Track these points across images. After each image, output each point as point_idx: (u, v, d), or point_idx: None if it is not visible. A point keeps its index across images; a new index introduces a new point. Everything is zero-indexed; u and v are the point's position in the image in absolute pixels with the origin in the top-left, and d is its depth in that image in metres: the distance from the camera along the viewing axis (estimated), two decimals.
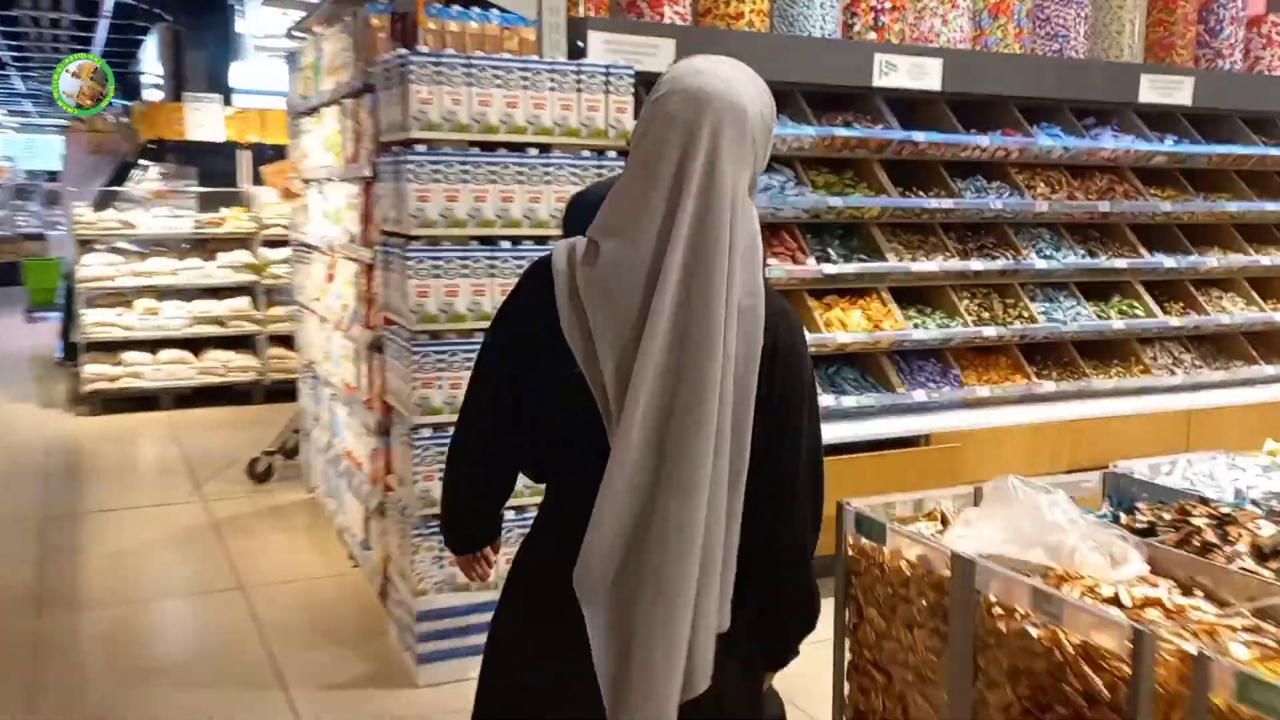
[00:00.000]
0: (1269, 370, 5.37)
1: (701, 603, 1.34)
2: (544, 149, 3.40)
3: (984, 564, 1.69)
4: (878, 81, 4.33)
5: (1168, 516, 1.90)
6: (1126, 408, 4.83)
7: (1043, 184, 4.98)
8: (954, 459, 4.35)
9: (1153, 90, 4.88)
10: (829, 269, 4.41)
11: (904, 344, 4.57)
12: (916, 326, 4.58)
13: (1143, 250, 5.14)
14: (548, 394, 1.47)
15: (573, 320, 1.40)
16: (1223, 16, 5.53)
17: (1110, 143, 4.96)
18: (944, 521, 2.03)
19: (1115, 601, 1.67)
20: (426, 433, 3.34)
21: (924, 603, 1.80)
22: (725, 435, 1.36)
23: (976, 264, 4.70)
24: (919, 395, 4.54)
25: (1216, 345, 5.49)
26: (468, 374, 3.41)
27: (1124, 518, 1.93)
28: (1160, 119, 5.26)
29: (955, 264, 4.66)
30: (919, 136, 4.53)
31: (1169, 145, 5.09)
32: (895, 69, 4.30)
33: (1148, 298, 5.17)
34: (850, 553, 1.99)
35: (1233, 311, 5.36)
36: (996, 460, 4.46)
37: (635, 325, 1.36)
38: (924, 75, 4.37)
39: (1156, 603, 1.67)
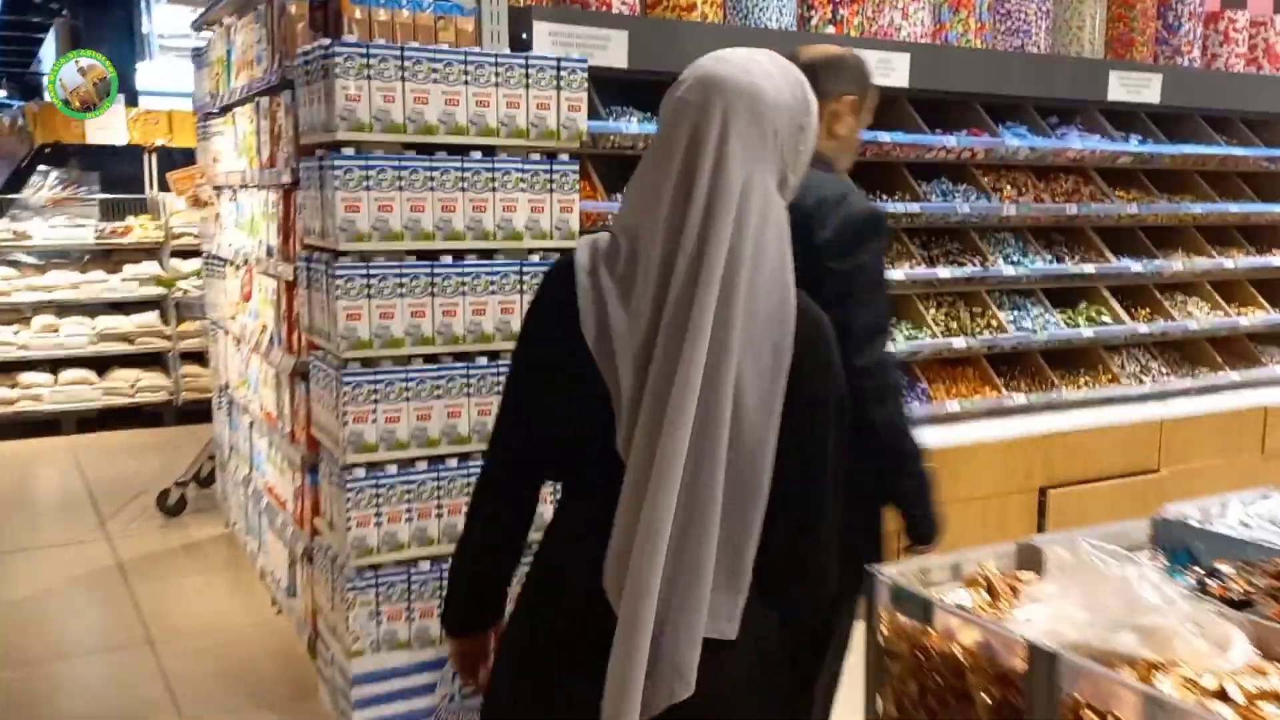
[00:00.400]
0: (1233, 376, 5.22)
1: (681, 605, 1.29)
2: (489, 151, 3.03)
3: (1070, 659, 1.38)
4: None
5: (1261, 582, 1.62)
6: (1097, 419, 4.61)
7: (1009, 186, 4.75)
8: None
9: (1122, 88, 4.68)
10: None
11: None
12: None
13: (1109, 255, 4.94)
14: (569, 397, 1.43)
15: (592, 320, 1.35)
16: (1181, 12, 5.36)
17: (1077, 143, 4.75)
18: (991, 591, 1.72)
19: (1222, 696, 1.37)
20: (360, 473, 2.95)
21: (986, 699, 1.48)
22: (717, 444, 1.29)
23: (943, 271, 4.44)
24: None
25: (1181, 352, 5.32)
26: (406, 405, 3.06)
27: (1211, 584, 1.63)
28: (1123, 118, 5.07)
29: (921, 271, 4.39)
30: (884, 137, 4.25)
31: (1134, 145, 4.90)
32: None
33: (1115, 304, 4.97)
34: (884, 631, 1.67)
35: (1198, 316, 5.20)
36: (971, 481, 4.20)
37: (650, 327, 1.32)
38: (891, 71, 4.09)
39: (1273, 696, 1.37)
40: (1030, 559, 1.87)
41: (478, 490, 1.59)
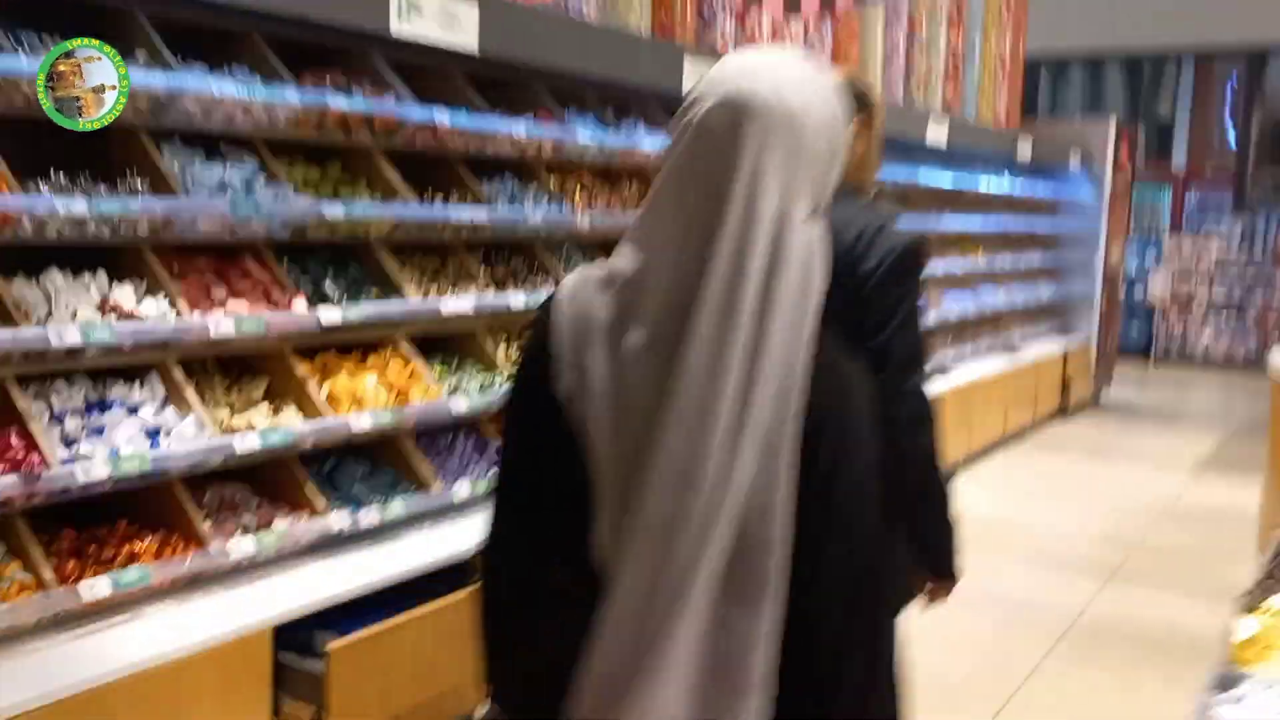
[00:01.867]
0: None
1: (649, 690, 1.11)
2: None
3: None
4: (397, 27, 2.83)
5: None
6: None
7: (574, 190, 3.86)
8: None
9: (697, 78, 4.00)
10: (328, 314, 2.82)
11: (441, 419, 3.15)
12: (455, 391, 3.18)
13: None
14: (550, 449, 1.21)
15: (569, 367, 1.17)
16: (715, 4, 4.90)
17: (647, 141, 4.00)
18: None
19: None
20: None
21: None
22: (708, 529, 1.09)
23: (517, 297, 3.42)
24: (462, 490, 3.16)
25: None
26: None
27: None
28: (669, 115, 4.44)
29: (492, 299, 3.34)
30: (444, 118, 3.13)
31: None
32: (419, 12, 2.84)
33: None
34: None
35: None
36: None
37: (646, 388, 1.13)
38: (457, 26, 2.97)
39: None
40: None
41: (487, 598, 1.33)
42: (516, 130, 3.39)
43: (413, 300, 3.06)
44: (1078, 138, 8.98)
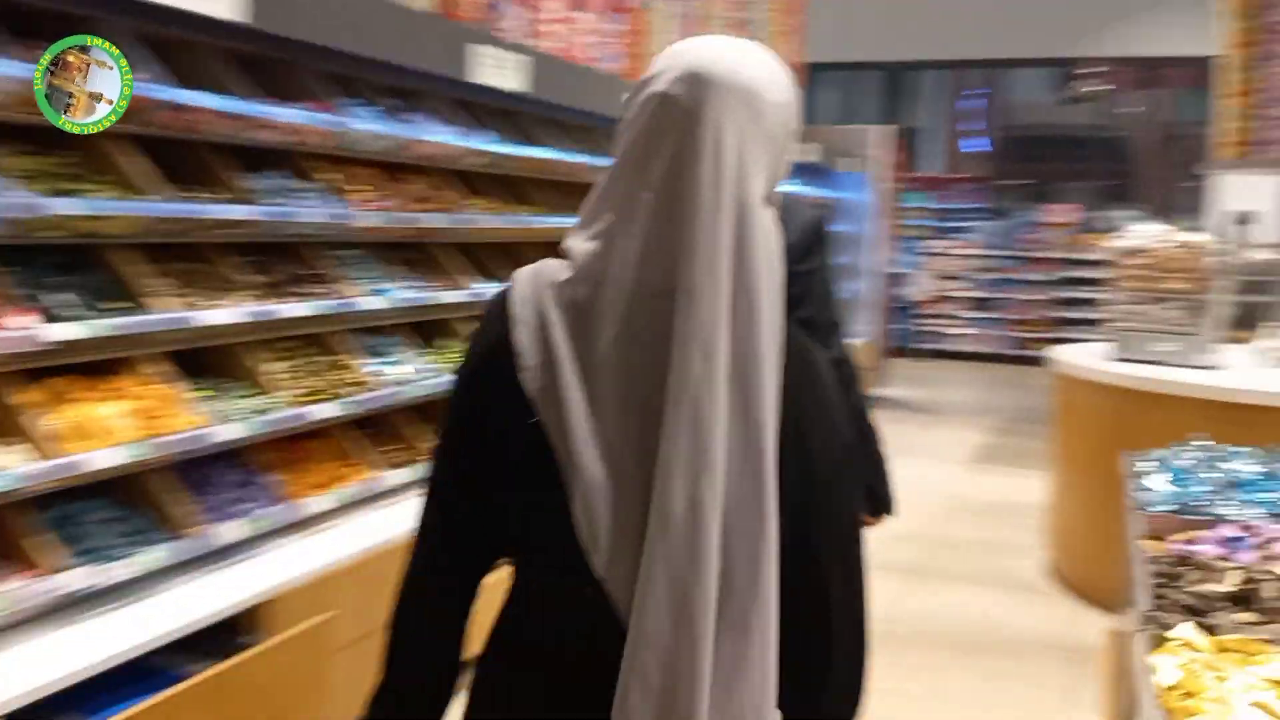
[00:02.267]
0: None
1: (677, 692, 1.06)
2: None
3: None
4: None
5: None
6: None
7: (354, 186, 3.47)
8: (317, 646, 2.65)
9: (488, 68, 3.69)
10: (61, 330, 2.35)
11: (202, 451, 2.71)
12: (218, 417, 2.74)
13: (470, 280, 3.96)
14: (509, 460, 1.16)
15: (535, 361, 1.12)
16: None
17: (437, 134, 3.66)
18: None
19: None
20: None
21: None
22: (707, 525, 1.05)
23: (293, 307, 3.02)
24: (230, 531, 2.74)
25: None
26: None
27: None
28: (461, 109, 4.12)
29: (258, 308, 2.92)
30: (204, 100, 2.69)
31: (489, 143, 3.97)
32: None
33: None
34: None
35: None
36: (366, 612, 2.88)
37: (623, 377, 1.10)
38: None
39: None
40: None
41: (401, 602, 1.27)
42: (288, 117, 2.98)
43: (165, 312, 2.61)
44: (853, 143, 9.23)
